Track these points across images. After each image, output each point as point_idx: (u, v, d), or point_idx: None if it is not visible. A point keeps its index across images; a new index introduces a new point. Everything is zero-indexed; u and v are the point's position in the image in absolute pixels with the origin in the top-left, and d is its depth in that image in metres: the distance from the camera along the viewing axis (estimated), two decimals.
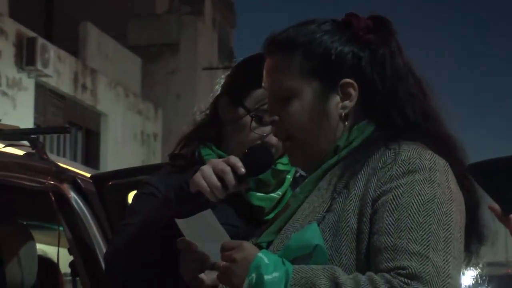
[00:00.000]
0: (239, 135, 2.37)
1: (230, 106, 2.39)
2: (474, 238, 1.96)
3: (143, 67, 21.18)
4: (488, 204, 1.89)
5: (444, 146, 1.94)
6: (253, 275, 1.76)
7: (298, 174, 2.42)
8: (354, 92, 1.95)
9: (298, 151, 1.99)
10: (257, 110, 2.34)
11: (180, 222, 1.96)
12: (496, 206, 1.85)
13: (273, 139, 2.29)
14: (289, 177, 2.40)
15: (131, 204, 2.48)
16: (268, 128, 2.30)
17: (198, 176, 2.08)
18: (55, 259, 3.27)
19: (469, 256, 1.97)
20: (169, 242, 2.06)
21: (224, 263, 1.82)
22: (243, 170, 2.07)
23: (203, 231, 1.94)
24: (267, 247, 1.92)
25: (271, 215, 2.27)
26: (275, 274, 1.75)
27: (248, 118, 2.35)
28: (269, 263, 1.76)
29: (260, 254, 1.78)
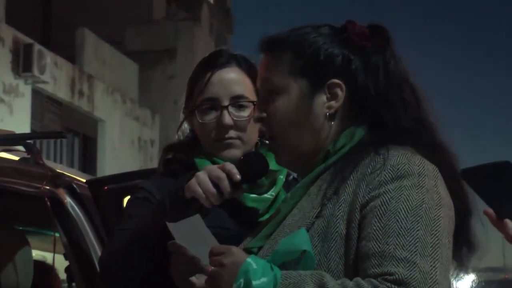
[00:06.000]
0: (202, 135, 2.41)
1: (188, 114, 2.45)
2: (463, 247, 1.96)
3: (140, 73, 21.17)
4: (483, 209, 1.89)
5: (434, 151, 1.94)
6: (241, 280, 1.77)
7: (291, 177, 2.42)
8: (341, 93, 1.97)
9: (281, 150, 2.01)
10: (199, 102, 2.39)
11: (171, 226, 1.97)
12: (491, 211, 1.86)
13: (226, 119, 2.35)
14: (281, 177, 2.41)
15: (125, 208, 2.49)
16: (216, 113, 2.36)
17: (193, 183, 2.09)
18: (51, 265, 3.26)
19: (460, 266, 1.97)
20: (163, 247, 2.06)
21: (213, 267, 1.83)
22: (238, 176, 2.08)
23: (193, 235, 1.96)
24: (257, 252, 1.92)
25: (265, 217, 2.28)
26: (263, 280, 1.76)
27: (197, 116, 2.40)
28: (257, 268, 1.78)
29: (248, 259, 1.80)
